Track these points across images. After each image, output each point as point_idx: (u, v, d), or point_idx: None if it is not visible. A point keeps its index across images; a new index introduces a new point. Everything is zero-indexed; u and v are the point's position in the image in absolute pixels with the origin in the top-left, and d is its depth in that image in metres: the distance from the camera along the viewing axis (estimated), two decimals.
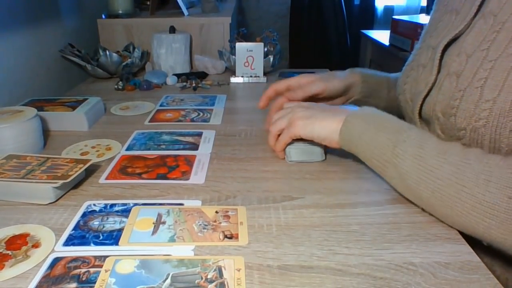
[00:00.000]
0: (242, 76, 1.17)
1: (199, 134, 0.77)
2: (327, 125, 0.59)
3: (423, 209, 0.52)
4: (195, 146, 0.72)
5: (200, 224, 0.50)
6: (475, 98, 0.51)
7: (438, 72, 0.58)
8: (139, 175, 0.62)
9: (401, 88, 0.67)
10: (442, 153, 0.48)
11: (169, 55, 1.24)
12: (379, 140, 0.53)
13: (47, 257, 0.44)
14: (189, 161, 0.66)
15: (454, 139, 0.55)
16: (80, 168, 0.58)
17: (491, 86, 0.50)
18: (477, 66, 0.52)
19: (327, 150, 0.67)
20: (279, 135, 0.65)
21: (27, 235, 0.48)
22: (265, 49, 1.21)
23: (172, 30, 1.25)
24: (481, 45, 0.53)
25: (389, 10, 3.07)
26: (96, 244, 0.46)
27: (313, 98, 0.71)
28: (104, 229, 0.49)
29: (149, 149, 0.71)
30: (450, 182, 0.46)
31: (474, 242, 0.51)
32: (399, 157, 0.51)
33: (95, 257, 0.44)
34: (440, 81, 0.57)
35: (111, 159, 0.68)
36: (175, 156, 0.68)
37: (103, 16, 1.38)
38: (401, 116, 0.71)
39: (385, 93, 0.80)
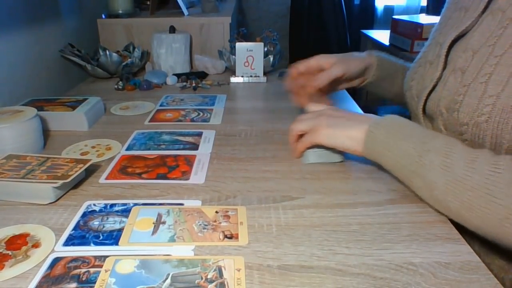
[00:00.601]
0: (242, 76, 1.17)
1: (199, 134, 0.77)
2: (350, 135, 0.58)
3: (443, 213, 0.50)
4: (195, 146, 0.72)
5: (200, 224, 0.50)
6: (479, 93, 0.51)
7: (444, 68, 0.58)
8: (139, 175, 0.62)
9: (408, 84, 0.67)
10: (470, 162, 0.46)
11: (169, 55, 1.24)
12: (404, 149, 0.52)
13: (47, 257, 0.44)
14: (189, 161, 0.66)
15: (457, 135, 0.55)
16: (80, 168, 0.58)
17: (496, 82, 0.50)
18: (482, 62, 0.52)
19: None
20: (300, 135, 0.64)
21: (27, 235, 0.48)
22: (265, 49, 1.21)
23: (172, 30, 1.25)
24: (487, 41, 0.52)
25: (389, 10, 3.07)
26: (96, 244, 0.46)
27: (333, 81, 0.73)
28: (104, 229, 0.49)
29: (149, 149, 0.71)
30: (480, 193, 0.44)
31: (474, 241, 0.51)
32: (425, 168, 0.49)
33: (95, 257, 0.44)
34: (445, 77, 0.57)
35: (111, 159, 0.68)
36: (175, 156, 0.68)
37: (103, 16, 1.38)
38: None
39: (400, 79, 0.79)
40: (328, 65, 0.74)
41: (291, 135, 0.65)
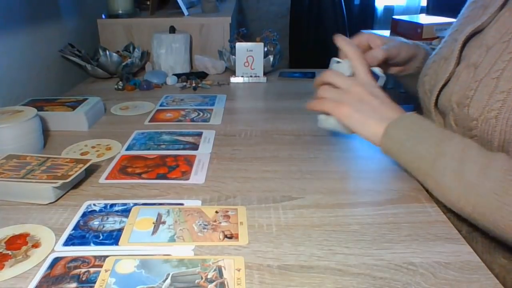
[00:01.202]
0: (242, 76, 1.17)
1: (199, 134, 0.77)
2: (369, 127, 0.58)
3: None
4: (195, 146, 0.72)
5: (200, 224, 0.50)
6: (490, 89, 0.51)
7: (458, 63, 0.58)
8: (139, 175, 0.62)
9: (421, 80, 0.67)
10: (483, 167, 0.46)
11: (169, 55, 1.24)
12: (419, 152, 0.52)
13: (47, 257, 0.44)
14: (189, 161, 0.66)
15: (466, 130, 0.55)
16: (80, 168, 0.58)
17: (507, 78, 0.49)
18: (496, 58, 0.52)
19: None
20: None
21: (27, 235, 0.48)
22: (265, 49, 1.21)
23: (172, 30, 1.25)
24: (502, 37, 0.52)
25: (389, 10, 3.07)
26: (96, 244, 0.46)
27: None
28: (104, 229, 0.49)
29: (149, 149, 0.71)
30: (491, 199, 0.44)
31: (477, 239, 0.51)
32: (439, 172, 0.49)
33: (95, 257, 0.44)
34: (458, 72, 0.57)
35: (111, 159, 0.68)
36: (175, 156, 0.68)
37: (103, 16, 1.38)
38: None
39: None
40: (378, 44, 0.69)
41: (316, 82, 0.64)
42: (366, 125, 0.58)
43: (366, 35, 0.70)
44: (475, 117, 0.52)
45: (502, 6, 0.55)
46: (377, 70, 0.65)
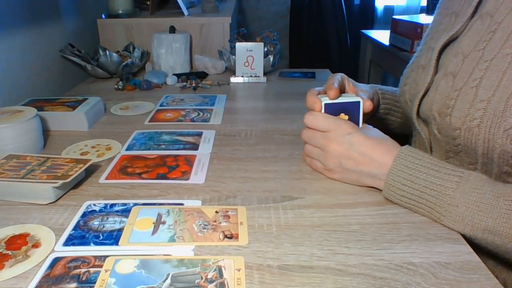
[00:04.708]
0: (242, 76, 1.17)
1: (199, 134, 0.78)
2: (368, 183, 0.56)
3: None
4: (195, 146, 0.72)
5: (200, 224, 0.50)
6: (470, 98, 0.51)
7: (436, 72, 0.59)
8: (139, 175, 0.62)
9: (401, 89, 0.68)
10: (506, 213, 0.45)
11: (169, 55, 1.24)
12: (421, 211, 0.51)
13: (47, 257, 0.44)
14: (189, 161, 0.66)
15: (450, 139, 0.55)
16: (80, 168, 0.58)
17: (486, 86, 0.50)
18: (472, 66, 0.52)
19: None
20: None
21: (27, 235, 0.48)
22: (265, 49, 1.21)
23: (172, 30, 1.25)
24: (477, 45, 0.53)
25: (389, 10, 3.07)
26: (96, 244, 0.46)
27: None
28: (104, 229, 0.49)
29: (149, 149, 0.71)
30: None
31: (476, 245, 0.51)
32: (451, 220, 0.48)
33: (95, 257, 0.44)
34: (437, 81, 0.58)
35: (111, 159, 0.68)
36: (175, 156, 0.68)
37: (103, 16, 1.38)
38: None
39: (402, 110, 0.77)
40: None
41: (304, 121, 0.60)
42: (362, 182, 0.57)
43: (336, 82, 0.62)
44: (458, 126, 0.52)
45: (473, 14, 0.56)
46: (352, 96, 0.61)
